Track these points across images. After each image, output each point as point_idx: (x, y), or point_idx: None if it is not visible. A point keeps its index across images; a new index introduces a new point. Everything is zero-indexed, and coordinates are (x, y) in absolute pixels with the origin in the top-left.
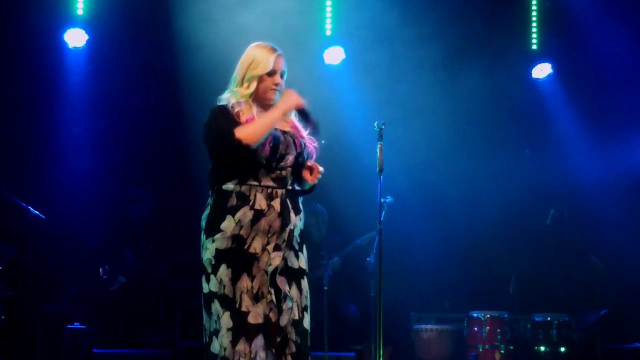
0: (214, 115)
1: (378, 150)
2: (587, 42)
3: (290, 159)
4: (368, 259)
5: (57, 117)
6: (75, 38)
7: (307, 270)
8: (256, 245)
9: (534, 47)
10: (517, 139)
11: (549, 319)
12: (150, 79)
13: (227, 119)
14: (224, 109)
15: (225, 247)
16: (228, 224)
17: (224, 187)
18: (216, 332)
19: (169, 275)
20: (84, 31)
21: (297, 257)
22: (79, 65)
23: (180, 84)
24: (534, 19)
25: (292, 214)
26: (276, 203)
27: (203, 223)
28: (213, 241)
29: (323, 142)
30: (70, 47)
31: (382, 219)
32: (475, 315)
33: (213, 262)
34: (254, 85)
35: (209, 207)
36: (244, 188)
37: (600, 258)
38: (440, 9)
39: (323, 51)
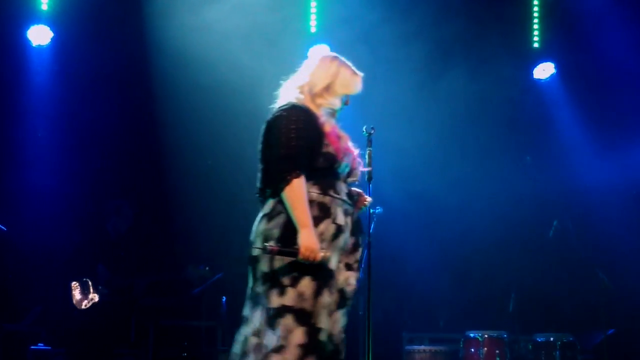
0: (304, 121)
1: (367, 156)
2: (593, 39)
3: (357, 174)
4: None
5: (19, 122)
6: (40, 35)
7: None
8: (334, 262)
9: (536, 45)
10: (518, 144)
11: (551, 339)
12: (120, 79)
13: (315, 139)
14: (315, 121)
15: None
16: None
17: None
18: (280, 349)
19: (145, 293)
20: (48, 28)
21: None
22: (43, 65)
23: (153, 84)
24: (535, 14)
25: (360, 235)
26: (349, 220)
27: (275, 231)
28: None
29: None
30: (33, 45)
31: (371, 231)
32: (472, 335)
33: (295, 275)
34: (338, 102)
35: (282, 214)
36: (326, 199)
37: (608, 273)
38: (435, 5)
39: (307, 49)
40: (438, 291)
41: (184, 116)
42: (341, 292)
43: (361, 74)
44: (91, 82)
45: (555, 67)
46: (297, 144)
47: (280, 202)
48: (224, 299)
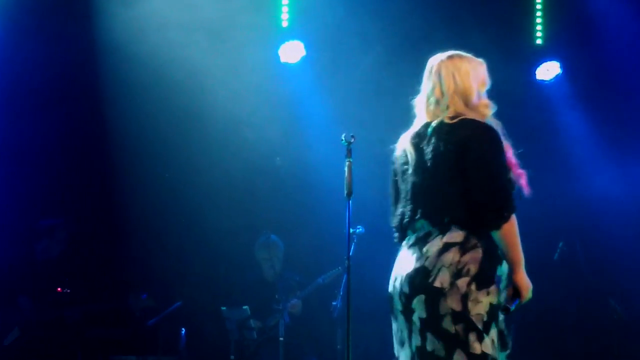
0: (503, 146)
1: (346, 168)
2: (604, 35)
3: None
4: (334, 302)
5: None
6: None
7: None
8: None
9: (539, 41)
10: (517, 154)
11: None
12: (59, 80)
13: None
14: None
15: (497, 302)
16: (500, 276)
17: None
18: None
19: (83, 325)
20: None
21: None
22: None
23: (97, 86)
24: (538, 6)
25: None
26: None
27: (472, 267)
28: (488, 294)
29: (278, 159)
30: None
31: (351, 253)
32: None
33: (485, 319)
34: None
35: (478, 248)
36: None
37: (621, 302)
38: None
39: (278, 47)
40: None
41: (134, 123)
42: (501, 333)
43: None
44: (24, 83)
45: (560, 67)
46: (509, 176)
47: (474, 234)
48: (183, 331)
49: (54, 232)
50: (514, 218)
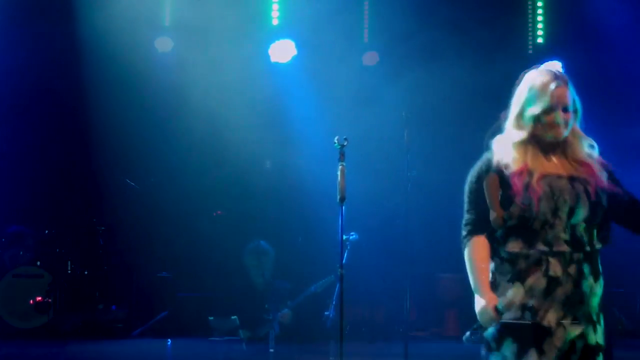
0: (476, 178)
1: (339, 173)
2: (608, 33)
3: (583, 213)
4: (327, 312)
5: None
6: None
7: (604, 346)
8: (550, 318)
9: (540, 40)
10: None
11: None
12: (43, 83)
13: (494, 195)
14: (490, 172)
15: (512, 318)
16: (516, 292)
17: (506, 248)
18: None
19: (70, 334)
20: None
21: (595, 330)
22: None
23: (82, 88)
24: (539, 4)
25: (592, 281)
26: (573, 269)
27: None
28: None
29: (268, 162)
30: None
31: (344, 261)
32: None
33: (496, 336)
34: (528, 128)
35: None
36: (533, 252)
37: (625, 312)
38: None
39: (269, 46)
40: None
41: (118, 126)
42: (561, 351)
43: (558, 81)
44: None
45: (562, 67)
46: (469, 208)
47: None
48: (169, 341)
49: (22, 238)
50: (469, 246)
